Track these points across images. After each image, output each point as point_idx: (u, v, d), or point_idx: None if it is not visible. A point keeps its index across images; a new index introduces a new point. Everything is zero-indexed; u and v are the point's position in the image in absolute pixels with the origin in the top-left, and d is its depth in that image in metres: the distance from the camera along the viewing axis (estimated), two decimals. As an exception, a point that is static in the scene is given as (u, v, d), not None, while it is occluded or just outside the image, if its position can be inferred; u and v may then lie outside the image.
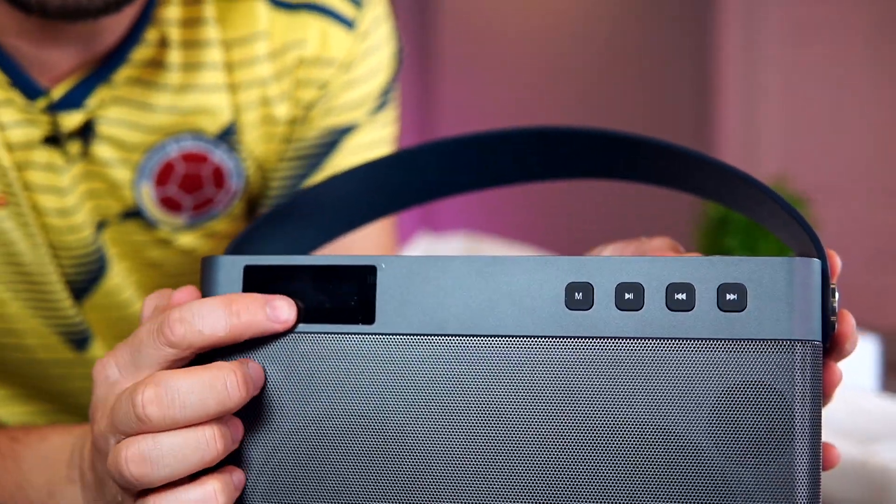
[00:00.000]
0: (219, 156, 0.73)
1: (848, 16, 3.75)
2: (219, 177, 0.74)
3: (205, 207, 0.75)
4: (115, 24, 0.67)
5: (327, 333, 0.46)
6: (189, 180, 0.73)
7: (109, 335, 0.78)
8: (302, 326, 0.46)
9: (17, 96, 0.67)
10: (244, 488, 0.46)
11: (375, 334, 0.45)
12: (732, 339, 0.41)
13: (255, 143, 0.74)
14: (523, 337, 0.44)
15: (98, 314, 0.77)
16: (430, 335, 0.45)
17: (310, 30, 0.73)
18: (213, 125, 0.72)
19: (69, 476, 0.54)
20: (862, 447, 0.67)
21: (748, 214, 0.50)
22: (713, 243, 2.06)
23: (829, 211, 3.60)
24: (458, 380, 0.44)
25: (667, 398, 0.42)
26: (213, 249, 0.78)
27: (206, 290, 0.48)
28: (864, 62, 3.72)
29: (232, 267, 0.47)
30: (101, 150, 0.70)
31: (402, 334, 0.45)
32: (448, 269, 0.45)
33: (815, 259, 0.42)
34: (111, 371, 0.47)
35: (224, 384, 0.43)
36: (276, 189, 0.76)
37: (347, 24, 0.74)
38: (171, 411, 0.43)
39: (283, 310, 0.45)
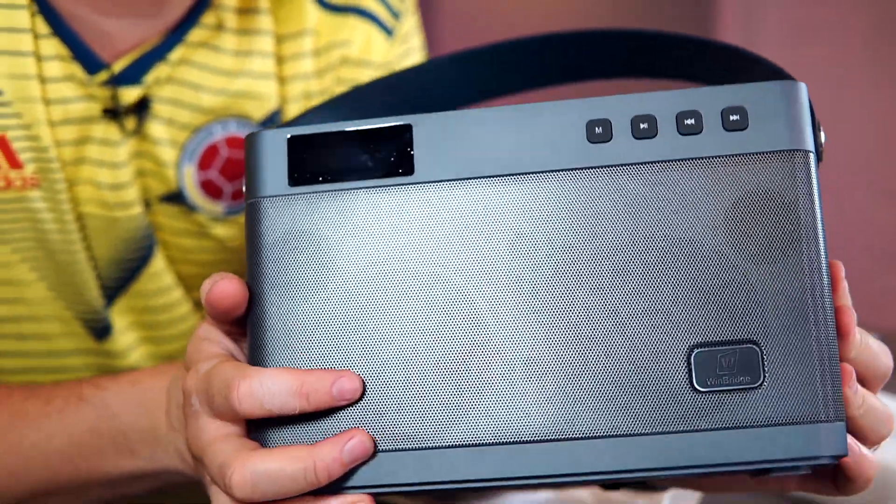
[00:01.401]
0: None
1: (847, 17, 3.74)
2: None
3: (243, 197, 0.76)
4: (179, 3, 0.69)
5: (372, 188, 0.49)
6: (231, 165, 0.75)
7: (132, 324, 0.78)
8: (348, 184, 0.50)
9: (77, 70, 0.68)
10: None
11: (415, 184, 0.49)
12: (738, 155, 0.47)
13: None
14: (550, 172, 0.48)
15: (131, 303, 0.77)
16: (465, 179, 0.49)
17: (356, 32, 0.77)
18: (259, 111, 0.74)
19: (170, 424, 0.58)
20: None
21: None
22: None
23: (829, 211, 3.59)
24: (493, 217, 0.48)
25: (685, 212, 0.46)
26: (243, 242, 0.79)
27: (251, 164, 0.51)
28: (864, 63, 3.72)
29: (277, 139, 0.51)
30: (153, 128, 0.72)
31: (440, 181, 0.49)
32: (477, 119, 0.49)
33: (802, 83, 0.49)
34: (193, 400, 0.51)
35: (311, 474, 0.46)
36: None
37: (388, 31, 0.79)
38: (256, 496, 0.47)
39: (347, 390, 0.48)
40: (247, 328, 0.52)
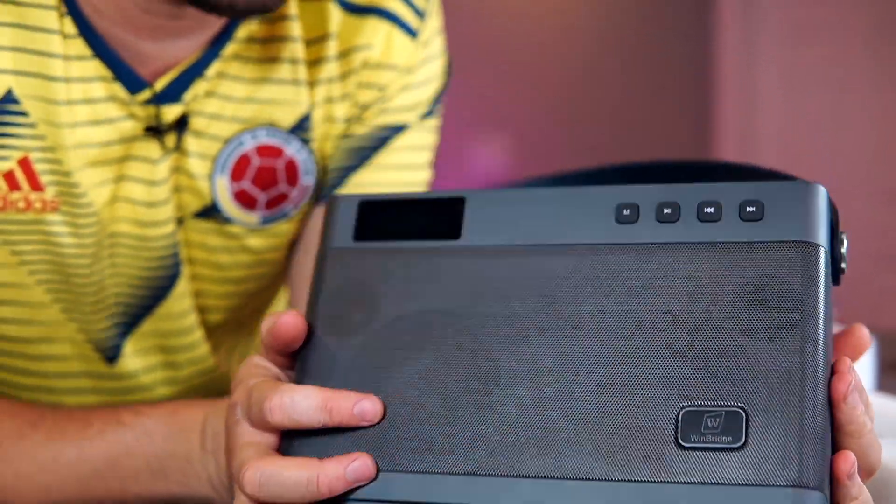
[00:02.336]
0: (292, 149, 0.75)
1: (847, 17, 3.75)
2: (292, 171, 0.76)
3: (278, 205, 0.76)
4: (217, 21, 0.69)
5: (422, 249, 0.55)
6: (263, 174, 0.75)
7: (143, 349, 0.78)
8: (402, 243, 0.56)
9: (119, 90, 0.68)
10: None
11: (460, 248, 0.55)
12: (751, 242, 0.49)
13: (320, 140, 0.76)
14: (580, 245, 0.52)
15: (149, 327, 0.77)
16: (503, 245, 0.54)
17: (377, 34, 0.75)
18: (288, 118, 0.74)
19: (203, 448, 0.61)
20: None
21: None
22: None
23: (828, 212, 3.60)
24: (523, 281, 0.52)
25: (696, 291, 0.49)
26: (282, 253, 0.80)
27: (327, 220, 0.58)
28: (864, 63, 3.72)
29: (351, 201, 0.58)
30: (189, 143, 0.71)
31: (481, 247, 0.54)
32: (524, 197, 0.54)
33: (822, 186, 0.51)
34: (237, 410, 0.54)
35: (314, 486, 0.50)
36: (331, 179, 0.78)
37: (412, 32, 0.77)
38: (261, 494, 0.51)
39: (368, 412, 0.52)
40: (297, 356, 0.57)
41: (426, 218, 0.56)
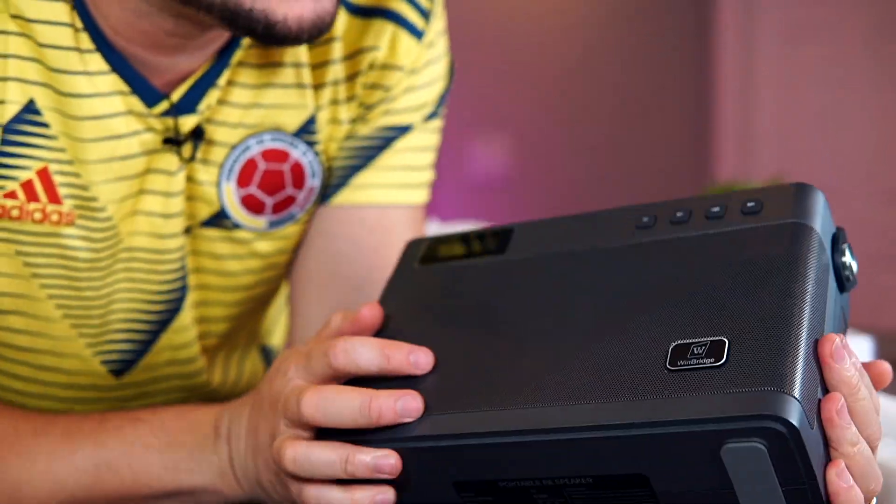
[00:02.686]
0: (298, 152, 0.76)
1: (846, 16, 3.75)
2: (298, 174, 0.76)
3: (285, 209, 0.77)
4: (226, 32, 0.69)
5: (472, 263, 0.64)
6: (270, 178, 0.75)
7: (151, 364, 0.78)
8: (457, 262, 0.65)
9: (136, 103, 0.68)
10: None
11: (504, 261, 0.63)
12: (750, 228, 0.56)
13: (325, 142, 0.77)
14: (605, 248, 0.60)
15: (166, 341, 0.77)
16: (539, 254, 0.62)
17: (383, 36, 0.75)
18: (293, 122, 0.74)
19: (218, 433, 0.65)
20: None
21: None
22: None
23: (827, 211, 3.60)
24: (555, 273, 0.61)
25: (701, 265, 0.55)
26: (290, 256, 0.80)
27: (399, 262, 0.67)
28: (863, 63, 3.72)
29: (421, 241, 0.68)
30: (202, 152, 0.71)
31: (522, 258, 0.63)
32: (561, 221, 0.64)
33: (817, 188, 0.57)
34: (290, 371, 0.59)
35: (366, 409, 0.55)
36: (334, 179, 0.79)
37: (417, 33, 0.77)
38: (318, 416, 0.56)
39: (422, 361, 0.58)
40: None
41: (478, 243, 0.66)
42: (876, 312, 3.61)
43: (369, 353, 0.57)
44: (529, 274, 0.62)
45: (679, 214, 0.59)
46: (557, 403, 0.53)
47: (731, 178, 3.42)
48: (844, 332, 0.56)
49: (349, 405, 0.55)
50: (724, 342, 0.50)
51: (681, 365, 0.51)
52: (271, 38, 0.63)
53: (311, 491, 0.56)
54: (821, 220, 0.56)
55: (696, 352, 0.51)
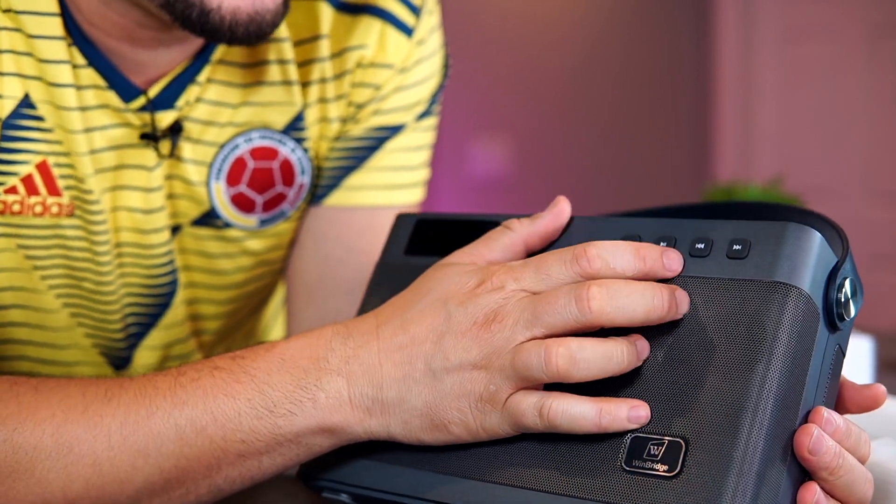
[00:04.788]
0: (286, 149, 0.75)
1: (845, 16, 3.75)
2: (287, 171, 0.76)
3: (276, 206, 0.76)
4: None
5: None
6: (259, 176, 0.75)
7: (149, 362, 0.78)
8: (433, 258, 0.59)
9: (112, 98, 0.68)
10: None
11: None
12: (732, 280, 0.51)
13: (315, 140, 0.76)
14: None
15: (156, 339, 0.77)
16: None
17: (370, 33, 0.75)
18: (280, 119, 0.74)
19: (324, 368, 0.55)
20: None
21: None
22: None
23: (825, 211, 3.58)
24: None
25: (676, 322, 0.51)
26: (282, 253, 0.80)
27: (386, 242, 0.63)
28: (862, 63, 3.73)
29: (409, 218, 0.63)
30: (184, 150, 0.71)
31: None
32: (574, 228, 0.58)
33: (812, 229, 0.51)
34: (509, 284, 0.53)
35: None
36: (325, 179, 0.78)
37: (407, 30, 0.76)
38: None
39: (675, 262, 0.53)
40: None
41: (467, 237, 0.59)
42: (876, 312, 3.62)
43: (626, 255, 0.52)
44: None
45: (662, 244, 0.54)
46: (505, 484, 0.51)
47: (731, 179, 3.42)
48: (836, 379, 0.52)
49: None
50: (681, 446, 0.48)
51: (636, 466, 0.48)
52: (205, 27, 0.62)
53: (560, 402, 0.50)
54: (811, 272, 0.50)
55: (652, 452, 0.48)
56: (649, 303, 0.50)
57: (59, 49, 0.65)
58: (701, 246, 0.52)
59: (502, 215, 0.59)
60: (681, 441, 0.48)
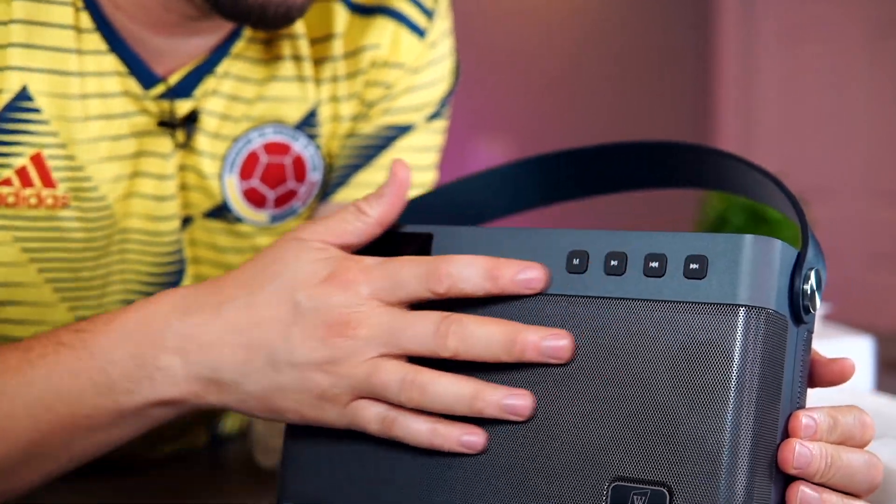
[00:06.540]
0: (299, 145, 0.76)
1: (846, 16, 3.75)
2: (300, 167, 0.77)
3: (287, 203, 0.77)
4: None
5: None
6: (272, 171, 0.76)
7: None
8: None
9: (133, 84, 0.69)
10: None
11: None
12: (693, 303, 0.48)
13: (326, 138, 0.77)
14: (536, 294, 0.52)
15: None
16: None
17: (384, 33, 0.76)
18: (294, 114, 0.75)
19: (162, 345, 0.56)
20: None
21: (764, 202, 0.57)
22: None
23: (826, 211, 3.60)
24: None
25: (637, 351, 0.48)
26: None
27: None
28: (863, 62, 3.73)
29: None
30: (199, 142, 0.73)
31: None
32: (484, 237, 0.54)
33: (775, 239, 0.47)
34: (362, 287, 0.52)
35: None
36: (334, 177, 0.79)
37: (419, 32, 0.78)
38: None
39: (536, 280, 0.51)
40: None
41: (400, 254, 0.55)
42: (876, 312, 3.62)
43: (474, 277, 0.51)
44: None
45: (613, 263, 0.50)
46: None
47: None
48: (808, 359, 0.51)
49: (495, 337, 0.50)
50: (665, 496, 0.46)
51: None
52: (235, 8, 0.63)
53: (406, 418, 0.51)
54: (776, 285, 0.48)
55: (635, 502, 0.47)
56: (499, 347, 0.50)
57: (69, 36, 0.67)
58: (655, 265, 0.49)
59: (426, 226, 0.56)
60: (664, 491, 0.46)
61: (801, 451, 0.47)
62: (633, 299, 0.49)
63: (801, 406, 0.50)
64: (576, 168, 0.64)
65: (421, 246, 0.56)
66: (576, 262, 0.51)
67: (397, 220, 0.57)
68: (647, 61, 4.05)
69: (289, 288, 0.53)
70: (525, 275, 0.51)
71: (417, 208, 0.62)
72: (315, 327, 0.52)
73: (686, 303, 0.48)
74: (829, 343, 1.10)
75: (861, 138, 3.75)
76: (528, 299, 0.52)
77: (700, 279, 0.48)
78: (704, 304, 0.47)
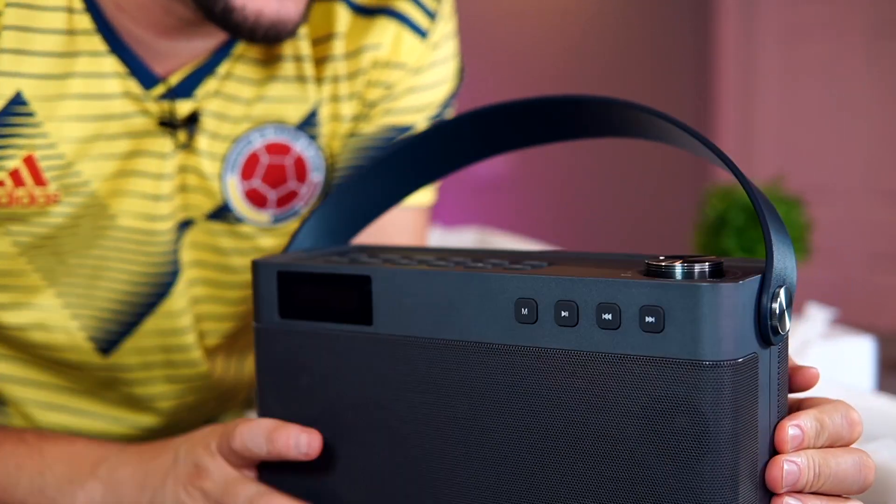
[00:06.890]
0: (300, 146, 0.76)
1: (845, 15, 3.75)
2: (301, 168, 0.77)
3: (288, 203, 0.77)
4: None
5: (338, 332, 0.55)
6: (273, 172, 0.76)
7: (141, 347, 0.78)
8: (322, 325, 0.55)
9: (133, 85, 0.70)
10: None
11: (371, 334, 0.54)
12: (652, 357, 0.45)
13: (327, 137, 0.77)
14: (483, 343, 0.50)
15: (153, 324, 0.77)
16: (411, 337, 0.53)
17: (386, 34, 0.77)
18: (294, 115, 0.76)
19: (94, 473, 0.65)
20: (860, 446, 0.67)
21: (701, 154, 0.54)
22: (711, 243, 2.07)
23: (826, 211, 3.60)
24: (428, 376, 0.52)
25: (601, 405, 0.46)
26: None
27: (255, 298, 0.59)
28: (862, 62, 3.73)
29: (269, 269, 0.58)
30: (200, 143, 0.73)
31: (391, 335, 0.53)
32: (427, 280, 0.52)
33: (726, 284, 0.44)
34: (212, 445, 0.60)
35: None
36: (336, 180, 0.79)
37: (421, 33, 0.78)
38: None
39: (304, 443, 0.55)
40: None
41: (340, 298, 0.55)
42: (876, 312, 3.62)
43: (256, 439, 0.57)
44: (403, 365, 0.53)
45: (564, 314, 0.47)
46: None
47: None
48: (785, 367, 0.49)
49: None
50: None
51: None
52: (227, 23, 0.65)
53: None
54: (738, 332, 0.45)
55: None
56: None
57: (62, 39, 0.67)
58: (608, 317, 0.46)
59: (365, 266, 0.54)
60: None
61: (789, 470, 0.46)
62: (589, 352, 0.47)
63: (784, 413, 0.48)
64: (507, 123, 0.65)
65: (359, 289, 0.54)
66: (524, 311, 0.48)
67: (345, 242, 0.60)
68: (647, 61, 4.05)
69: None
70: (297, 439, 0.56)
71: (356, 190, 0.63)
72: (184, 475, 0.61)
73: (647, 357, 0.45)
74: (830, 344, 1.10)
75: (861, 138, 3.74)
76: (480, 350, 0.50)
77: (658, 333, 0.45)
78: (667, 359, 0.45)
